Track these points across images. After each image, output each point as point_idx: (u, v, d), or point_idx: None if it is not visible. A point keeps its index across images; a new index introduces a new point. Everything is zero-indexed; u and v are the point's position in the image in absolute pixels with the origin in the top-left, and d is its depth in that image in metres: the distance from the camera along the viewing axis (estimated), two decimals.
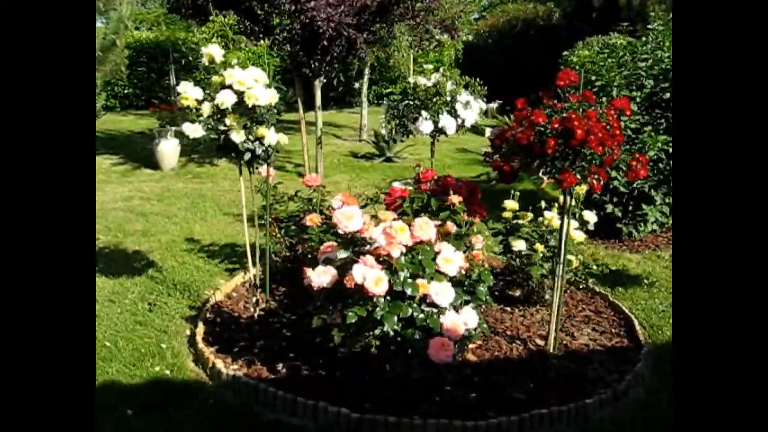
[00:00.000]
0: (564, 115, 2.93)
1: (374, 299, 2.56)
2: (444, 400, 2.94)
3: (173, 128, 7.75)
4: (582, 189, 3.90)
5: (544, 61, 12.65)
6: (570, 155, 3.13)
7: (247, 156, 3.12)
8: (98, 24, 4.47)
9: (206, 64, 3.10)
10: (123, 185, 7.12)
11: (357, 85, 9.28)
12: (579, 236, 3.95)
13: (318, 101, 7.62)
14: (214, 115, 3.04)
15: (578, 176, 3.12)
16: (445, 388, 3.06)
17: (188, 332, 3.58)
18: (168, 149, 7.73)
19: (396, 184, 7.46)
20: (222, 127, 3.03)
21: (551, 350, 3.44)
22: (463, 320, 2.69)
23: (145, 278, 4.37)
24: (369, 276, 2.48)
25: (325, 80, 7.37)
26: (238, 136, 3.00)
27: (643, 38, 5.38)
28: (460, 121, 4.15)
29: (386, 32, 6.83)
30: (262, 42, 7.02)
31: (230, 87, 3.02)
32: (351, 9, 6.29)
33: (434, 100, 4.10)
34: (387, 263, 2.58)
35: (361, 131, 10.44)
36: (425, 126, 4.10)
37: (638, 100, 5.09)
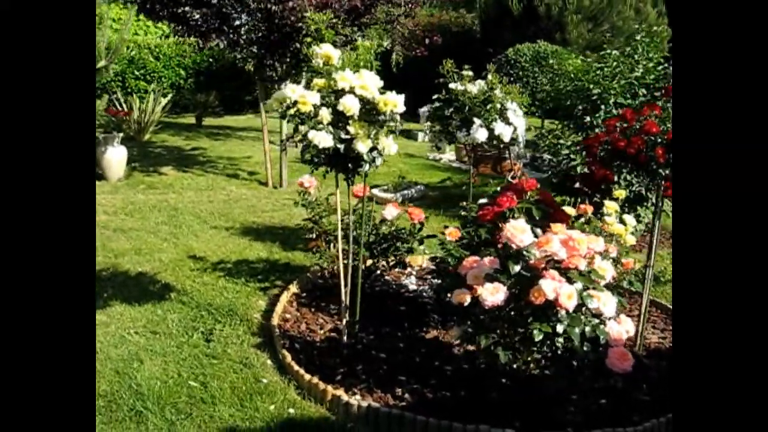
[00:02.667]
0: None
1: (558, 314, 2.47)
2: (583, 410, 2.91)
3: (120, 134, 7.03)
4: (622, 194, 4.04)
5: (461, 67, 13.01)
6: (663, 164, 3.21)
7: (366, 167, 2.89)
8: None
9: (320, 65, 2.82)
10: None
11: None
12: (631, 239, 4.08)
13: None
14: (335, 122, 2.78)
15: None
16: (572, 397, 3.03)
17: (270, 362, 3.25)
18: (116, 158, 6.98)
19: (375, 191, 7.32)
20: (344, 135, 2.78)
21: (639, 351, 3.52)
22: (626, 329, 2.69)
23: (175, 304, 3.91)
24: (562, 291, 2.38)
25: (302, 82, 7.04)
26: (364, 145, 2.77)
27: (628, 49, 5.69)
28: (512, 128, 4.12)
29: (359, 35, 6.67)
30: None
31: (350, 92, 2.78)
32: (339, 12, 6.07)
33: (487, 107, 4.04)
34: (566, 276, 2.51)
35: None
36: (480, 133, 4.02)
37: (635, 107, 5.37)
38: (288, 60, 6.81)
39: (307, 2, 6.01)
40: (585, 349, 2.58)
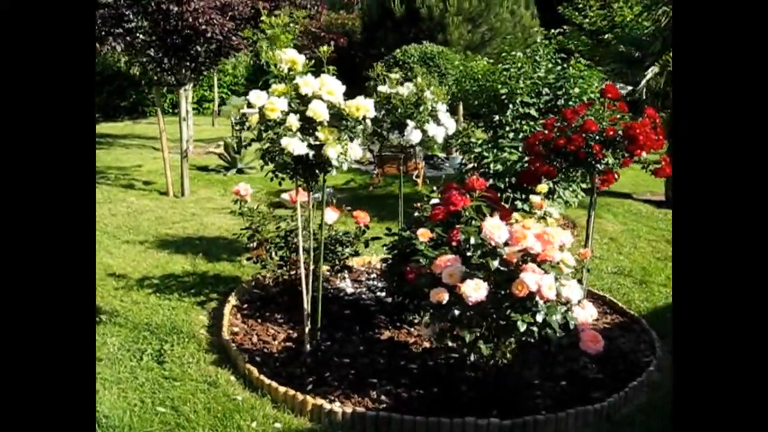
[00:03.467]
0: (627, 124, 3.24)
1: (537, 304, 2.61)
2: (548, 394, 3.08)
3: None
4: (544, 188, 4.32)
5: (343, 68, 13.09)
6: (600, 159, 3.45)
7: (333, 171, 2.87)
8: None
9: (285, 71, 2.76)
10: None
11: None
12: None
13: (183, 111, 6.93)
14: (303, 128, 2.74)
15: (616, 175, 3.52)
16: (534, 382, 3.19)
17: (234, 378, 3.13)
18: None
19: (285, 196, 7.18)
20: (314, 141, 2.74)
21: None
22: (590, 313, 2.89)
23: (110, 326, 3.64)
24: (543, 282, 2.52)
25: (189, 88, 6.76)
26: (334, 151, 2.75)
27: (528, 50, 6.05)
28: (444, 129, 4.24)
29: (260, 37, 6.54)
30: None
31: (315, 97, 2.76)
32: (241, 15, 5.91)
33: (420, 109, 4.13)
34: (541, 269, 2.65)
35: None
36: (415, 135, 4.10)
37: (540, 106, 5.71)
38: (187, 64, 6.52)
39: (206, 4, 5.78)
40: (558, 335, 2.75)
